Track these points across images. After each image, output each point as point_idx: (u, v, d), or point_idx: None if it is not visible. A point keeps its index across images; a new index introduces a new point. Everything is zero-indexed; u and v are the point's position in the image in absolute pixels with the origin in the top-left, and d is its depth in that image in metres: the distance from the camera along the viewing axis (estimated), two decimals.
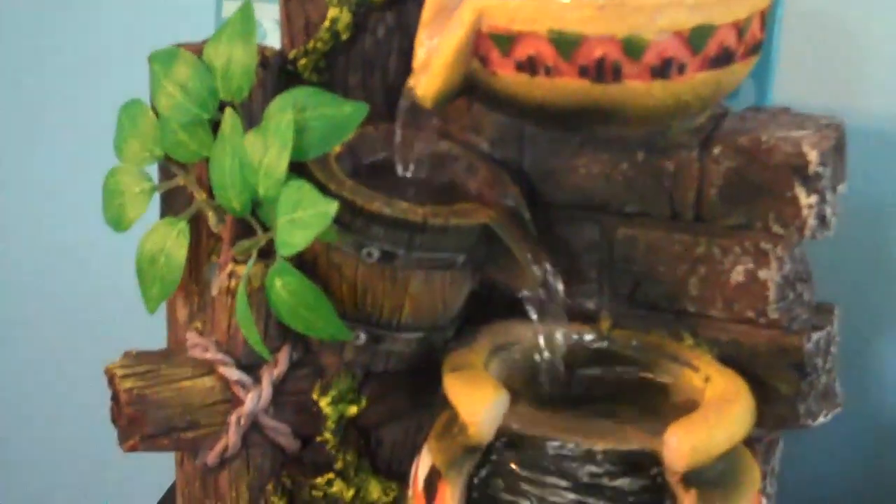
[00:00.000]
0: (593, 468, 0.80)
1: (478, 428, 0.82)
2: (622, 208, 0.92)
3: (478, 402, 0.82)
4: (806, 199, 0.87)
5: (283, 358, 0.90)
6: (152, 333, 1.01)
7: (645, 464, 0.80)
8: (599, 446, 0.81)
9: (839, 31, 1.16)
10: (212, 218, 0.91)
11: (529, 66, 0.81)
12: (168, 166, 0.93)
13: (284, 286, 0.84)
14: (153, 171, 0.95)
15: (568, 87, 0.81)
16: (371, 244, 0.86)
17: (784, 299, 0.89)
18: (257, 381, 0.90)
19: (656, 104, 0.82)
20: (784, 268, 0.88)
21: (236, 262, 0.89)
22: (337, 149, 0.90)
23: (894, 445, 1.22)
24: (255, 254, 0.87)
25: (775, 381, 0.90)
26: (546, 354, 0.91)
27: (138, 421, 0.88)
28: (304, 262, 0.88)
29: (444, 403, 0.87)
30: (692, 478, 0.79)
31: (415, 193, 0.89)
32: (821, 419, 0.91)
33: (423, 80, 0.85)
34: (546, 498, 0.81)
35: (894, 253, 1.19)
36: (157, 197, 0.95)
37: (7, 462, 1.61)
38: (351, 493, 0.93)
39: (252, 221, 0.87)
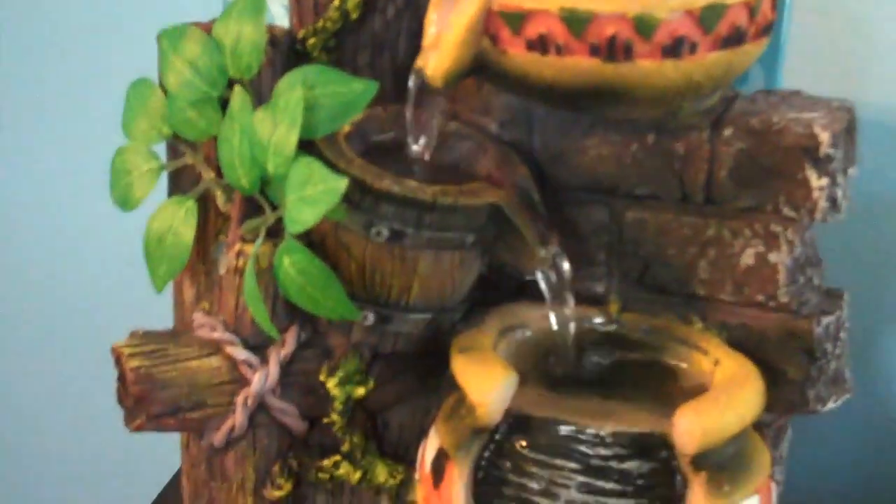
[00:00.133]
0: (602, 450, 0.80)
1: (486, 409, 0.81)
2: (632, 191, 0.92)
3: (486, 382, 0.82)
4: (817, 182, 0.86)
5: (291, 338, 0.90)
6: (159, 315, 1.00)
7: (654, 446, 0.80)
8: (608, 429, 0.80)
9: (848, 20, 1.15)
10: (220, 197, 0.90)
11: (540, 45, 0.81)
12: (176, 145, 0.93)
13: (293, 264, 0.84)
14: (161, 150, 0.95)
15: (579, 66, 0.81)
16: (380, 223, 0.85)
17: (794, 283, 0.89)
18: (264, 361, 0.89)
19: (667, 84, 0.82)
20: (794, 251, 0.88)
21: (244, 241, 0.88)
22: (346, 128, 0.89)
23: None
24: (263, 232, 0.86)
25: (784, 365, 0.89)
26: (554, 337, 0.91)
27: (145, 400, 0.87)
28: (313, 242, 0.87)
29: (452, 386, 0.87)
30: (702, 460, 0.78)
31: (424, 174, 0.89)
32: (830, 405, 0.91)
33: (432, 59, 0.84)
34: (554, 480, 0.80)
35: None
36: (164, 177, 0.95)
37: (9, 445, 1.61)
38: (357, 475, 0.93)
39: (260, 200, 0.87)
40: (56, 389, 1.56)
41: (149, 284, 0.93)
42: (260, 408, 0.90)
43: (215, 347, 0.90)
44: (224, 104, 0.88)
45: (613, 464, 0.80)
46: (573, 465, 0.80)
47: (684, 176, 0.90)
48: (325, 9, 0.92)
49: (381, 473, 0.93)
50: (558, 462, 0.81)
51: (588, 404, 0.86)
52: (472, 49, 0.83)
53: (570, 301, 0.90)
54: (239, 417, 0.89)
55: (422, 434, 0.89)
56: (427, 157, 0.91)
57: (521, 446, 0.82)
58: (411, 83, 0.87)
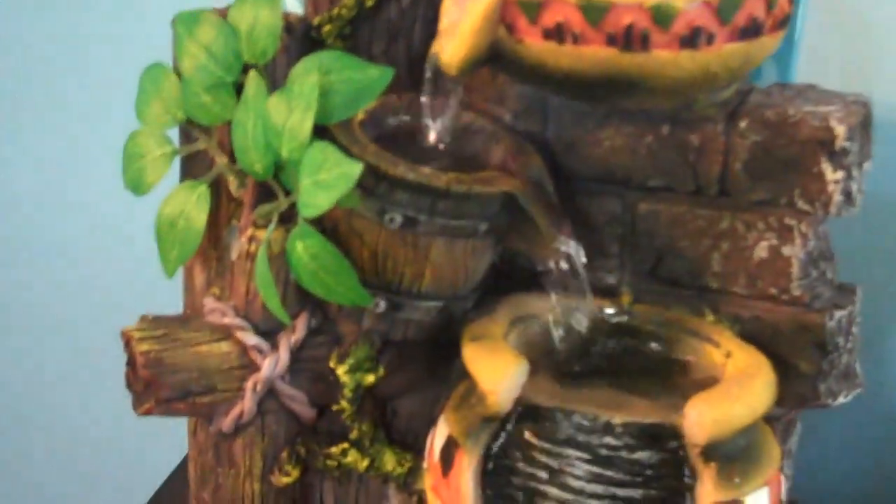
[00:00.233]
0: (612, 441, 0.80)
1: (496, 397, 0.81)
2: (645, 182, 0.91)
3: (497, 370, 0.82)
4: (832, 175, 0.86)
5: (301, 324, 0.90)
6: (169, 302, 1.00)
7: (664, 437, 0.80)
8: (618, 419, 0.80)
9: (861, 18, 1.15)
10: (233, 182, 0.90)
11: (557, 34, 0.81)
12: (189, 130, 0.92)
13: (306, 249, 0.84)
14: (174, 135, 0.94)
15: (595, 55, 0.81)
16: (394, 209, 0.85)
17: (807, 276, 0.89)
18: (274, 347, 0.89)
19: (684, 75, 0.81)
20: (808, 244, 0.88)
21: (257, 226, 0.88)
22: (360, 115, 0.89)
23: None
24: (276, 218, 0.86)
25: (796, 359, 0.89)
26: (566, 328, 0.91)
27: (154, 384, 0.87)
28: (325, 229, 0.87)
29: (462, 375, 0.87)
30: (712, 452, 0.78)
31: (438, 162, 0.89)
32: (841, 399, 0.90)
33: (448, 47, 0.84)
34: (563, 470, 0.80)
35: None
36: (176, 163, 0.95)
37: (17, 430, 1.61)
38: (365, 463, 0.93)
39: (274, 185, 0.87)
40: (65, 375, 1.56)
41: (159, 271, 0.93)
42: (269, 394, 0.90)
43: (226, 332, 0.90)
44: (239, 89, 0.88)
45: (623, 454, 0.80)
46: (582, 454, 0.80)
47: (698, 168, 0.90)
48: None
49: (390, 461, 0.93)
50: (567, 452, 0.80)
51: (598, 395, 0.85)
52: (488, 37, 0.83)
53: (584, 292, 0.89)
54: (248, 403, 0.89)
55: (431, 423, 0.89)
56: (442, 145, 0.91)
57: (531, 435, 0.81)
58: (427, 71, 0.87)
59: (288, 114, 0.84)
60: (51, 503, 1.62)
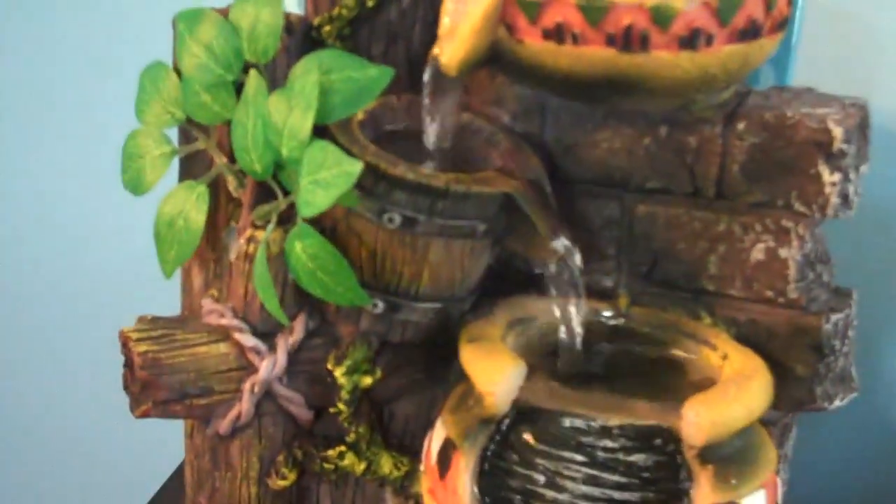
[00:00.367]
0: (609, 443, 0.80)
1: (494, 399, 0.81)
2: (643, 184, 0.92)
3: (495, 372, 0.82)
4: (829, 177, 0.86)
5: (299, 326, 0.90)
6: (167, 305, 1.00)
7: (661, 439, 0.79)
8: (615, 421, 0.80)
9: (860, 24, 1.16)
10: (232, 182, 0.90)
11: (556, 34, 0.81)
12: (188, 130, 0.92)
13: (304, 249, 0.84)
14: (173, 136, 0.95)
15: (595, 55, 0.81)
16: (393, 209, 0.85)
17: (804, 279, 0.89)
18: (272, 348, 0.89)
19: (683, 76, 0.81)
20: (805, 247, 0.88)
21: (255, 226, 0.88)
22: (359, 116, 0.89)
23: None
24: (274, 218, 0.86)
25: (792, 362, 0.89)
26: (563, 330, 0.90)
27: (151, 386, 0.87)
28: (324, 229, 0.87)
29: (459, 378, 0.87)
30: (709, 454, 0.78)
31: (436, 163, 0.89)
32: (837, 402, 0.90)
33: (448, 47, 0.84)
34: (560, 472, 0.80)
35: None
36: (175, 164, 0.95)
37: (15, 434, 1.61)
38: (362, 466, 0.93)
39: (273, 185, 0.87)
40: (62, 376, 1.56)
41: (157, 274, 0.93)
42: (267, 395, 0.90)
43: (223, 334, 0.89)
44: (239, 89, 0.88)
45: (620, 456, 0.80)
46: (579, 457, 0.80)
47: (696, 170, 0.90)
48: None
49: (386, 465, 0.93)
50: (564, 454, 0.80)
51: (595, 397, 0.85)
52: (488, 38, 0.83)
53: (581, 294, 0.90)
54: (245, 405, 0.89)
55: (427, 426, 0.89)
56: (441, 146, 0.91)
57: (528, 437, 0.81)
58: (427, 71, 0.88)
59: (288, 113, 0.84)
60: None
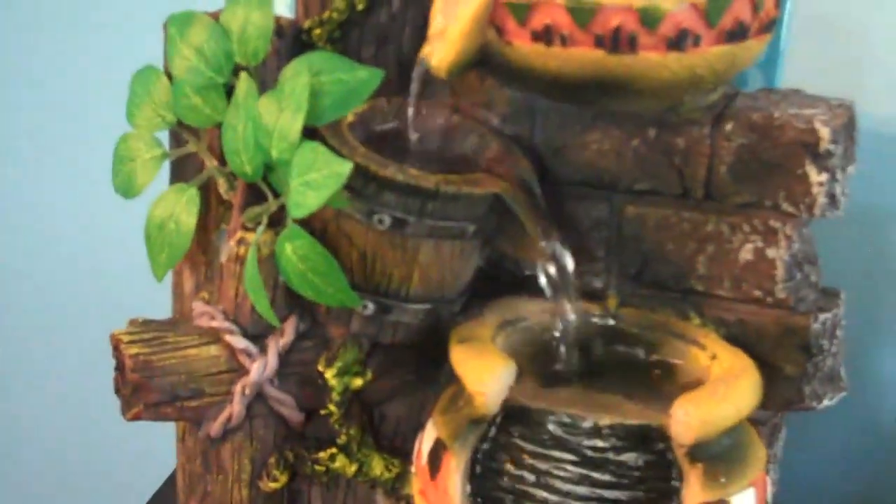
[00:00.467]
0: (598, 442, 0.80)
1: (484, 399, 0.81)
2: (632, 186, 0.92)
3: (485, 372, 0.82)
4: (816, 177, 0.87)
5: (290, 328, 0.90)
6: (158, 310, 1.00)
7: (651, 438, 0.80)
8: (605, 421, 0.80)
9: (848, 28, 1.16)
10: (222, 185, 0.91)
11: (545, 36, 0.81)
12: (179, 133, 0.93)
13: (295, 251, 0.84)
14: (164, 139, 0.95)
15: (583, 57, 0.81)
16: (382, 210, 0.85)
17: (792, 279, 0.89)
18: (263, 350, 0.89)
19: (671, 77, 0.82)
20: (793, 247, 0.88)
21: (246, 229, 0.88)
22: (349, 118, 0.90)
23: (893, 447, 1.23)
24: (265, 220, 0.87)
25: (781, 361, 0.90)
26: (553, 331, 0.91)
27: (143, 388, 0.87)
28: (314, 231, 0.87)
29: (449, 380, 0.87)
30: (698, 452, 0.79)
31: (426, 164, 0.89)
32: (826, 402, 0.91)
33: (438, 50, 0.85)
34: (551, 472, 0.80)
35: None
36: (166, 168, 0.95)
37: (5, 439, 1.60)
38: (353, 468, 0.93)
39: (263, 187, 0.87)
40: (53, 382, 1.56)
41: (148, 278, 0.93)
42: (258, 398, 0.90)
43: (214, 336, 0.90)
44: (229, 92, 0.89)
45: (610, 455, 0.80)
46: (570, 456, 0.80)
47: (685, 171, 0.90)
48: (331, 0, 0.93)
49: (377, 466, 0.93)
50: (555, 453, 0.81)
51: (585, 397, 0.86)
52: (477, 40, 0.84)
53: (571, 295, 0.90)
54: (236, 407, 0.89)
55: (418, 428, 0.89)
56: (430, 148, 0.91)
57: (518, 437, 0.82)
58: (415, 72, 0.88)
59: (278, 114, 0.84)
60: None
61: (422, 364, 0.93)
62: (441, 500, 0.82)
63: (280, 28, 0.91)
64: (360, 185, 0.85)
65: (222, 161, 0.89)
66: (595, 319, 0.93)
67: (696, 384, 0.84)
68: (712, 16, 0.80)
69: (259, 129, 0.85)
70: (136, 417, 0.89)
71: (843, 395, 0.92)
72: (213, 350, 0.89)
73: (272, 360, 0.89)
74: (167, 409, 0.89)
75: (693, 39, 0.80)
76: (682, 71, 0.82)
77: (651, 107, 0.89)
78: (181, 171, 0.95)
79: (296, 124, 0.83)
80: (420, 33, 0.90)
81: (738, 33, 0.82)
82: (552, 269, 0.89)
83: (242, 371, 0.89)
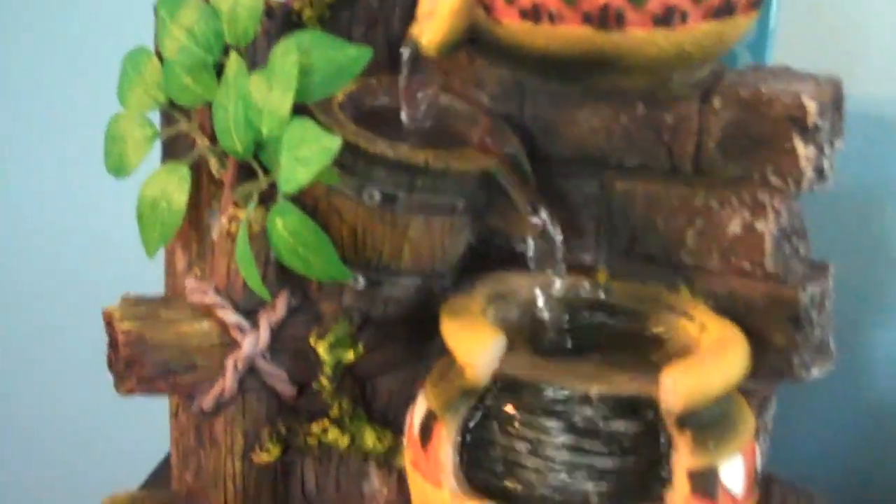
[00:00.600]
0: (589, 412, 0.81)
1: (474, 370, 0.82)
2: (621, 161, 0.93)
3: (475, 343, 0.83)
4: (804, 151, 0.87)
5: (282, 303, 0.90)
6: (151, 290, 1.01)
7: (641, 408, 0.81)
8: (595, 390, 0.81)
9: (837, 8, 1.17)
10: (214, 163, 0.91)
11: (534, 14, 0.82)
12: (170, 113, 0.93)
13: (285, 226, 0.85)
14: (156, 120, 0.95)
15: (571, 34, 0.82)
16: (372, 186, 0.86)
17: (780, 252, 0.90)
18: (255, 325, 0.90)
19: (658, 53, 0.83)
20: (781, 220, 0.89)
21: (237, 206, 0.89)
22: (340, 97, 0.91)
23: (884, 423, 1.23)
24: (256, 197, 0.87)
25: (770, 333, 0.90)
26: (543, 305, 0.92)
27: (136, 363, 0.88)
28: (305, 208, 0.88)
29: (440, 353, 0.88)
30: (687, 420, 0.79)
31: (416, 143, 0.90)
32: (815, 373, 0.91)
33: (427, 28, 0.85)
34: (541, 441, 0.81)
35: (887, 242, 1.21)
36: (158, 148, 0.96)
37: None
38: (346, 440, 0.93)
39: (254, 164, 0.88)
40: (47, 362, 1.56)
41: (140, 259, 0.94)
42: (250, 372, 0.91)
43: (206, 311, 0.90)
44: (220, 71, 0.89)
45: (600, 425, 0.81)
46: (560, 426, 0.81)
47: (673, 147, 0.91)
48: None
49: (370, 438, 0.94)
50: (545, 423, 0.81)
51: (575, 368, 0.86)
52: (466, 18, 0.85)
53: (560, 269, 0.91)
54: (229, 381, 0.90)
55: (410, 402, 0.89)
56: (420, 126, 0.92)
57: (509, 408, 0.82)
58: (405, 52, 0.89)
59: (268, 92, 0.85)
60: (31, 496, 1.62)
61: (413, 338, 0.94)
62: (433, 470, 0.83)
63: (270, 9, 0.92)
64: (350, 161, 0.86)
65: (213, 140, 0.90)
66: (585, 293, 0.93)
67: (685, 355, 0.85)
68: None
69: (249, 107, 0.86)
70: (130, 392, 0.89)
71: (832, 367, 0.93)
72: (206, 325, 0.90)
73: (264, 334, 0.90)
74: (160, 384, 0.89)
75: (680, 16, 0.81)
76: (670, 47, 0.82)
77: (639, 83, 0.90)
78: (173, 150, 0.95)
79: (286, 102, 0.84)
80: (410, 13, 0.90)
81: (725, 9, 0.82)
82: (541, 243, 0.90)
83: (234, 345, 0.90)
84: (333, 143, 0.81)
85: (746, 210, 0.89)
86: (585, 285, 0.93)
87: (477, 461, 0.83)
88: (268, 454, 0.93)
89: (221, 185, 0.92)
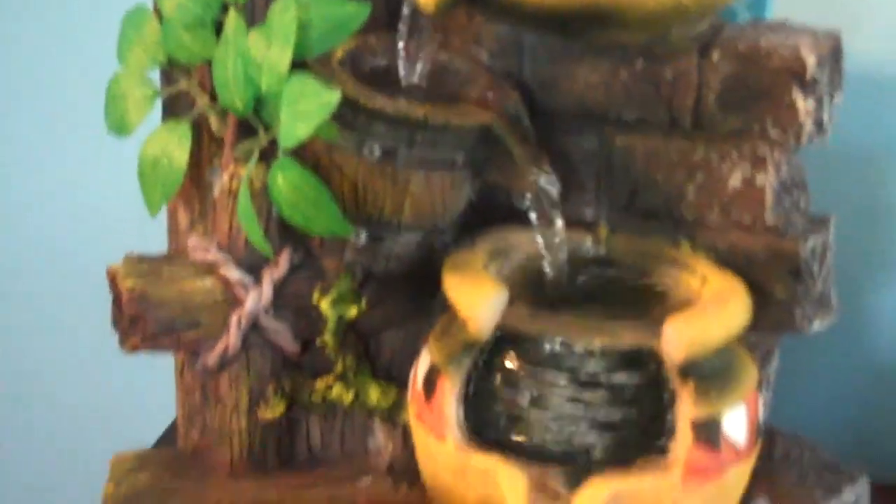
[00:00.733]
0: (591, 364, 0.81)
1: (477, 323, 0.82)
2: (620, 116, 0.93)
3: (477, 297, 0.83)
4: (803, 104, 0.88)
5: (284, 259, 0.91)
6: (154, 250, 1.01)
7: (643, 359, 0.81)
8: (598, 342, 0.82)
9: None
10: (214, 121, 0.91)
11: None
12: (170, 71, 0.93)
13: (286, 181, 0.85)
14: (156, 79, 0.95)
15: None
16: (372, 141, 0.86)
17: (781, 205, 0.90)
18: (258, 281, 0.90)
19: (656, 7, 0.83)
20: (781, 173, 0.89)
21: (238, 163, 0.89)
22: (339, 55, 0.91)
23: (888, 384, 1.24)
24: (256, 153, 0.88)
25: (772, 285, 0.91)
26: (544, 259, 0.92)
27: (140, 320, 0.88)
28: (306, 163, 0.88)
29: (443, 309, 0.88)
30: (689, 370, 0.80)
31: (415, 99, 0.90)
32: (816, 325, 0.92)
33: None
34: (544, 394, 0.82)
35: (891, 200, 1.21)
36: (158, 108, 0.96)
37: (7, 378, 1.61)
38: (350, 396, 0.94)
39: (254, 121, 0.88)
40: (52, 323, 1.56)
41: (142, 218, 0.94)
42: (253, 328, 0.91)
43: (209, 268, 0.91)
44: (219, 29, 0.89)
45: (602, 377, 0.81)
46: (562, 378, 0.82)
47: (673, 101, 0.91)
48: None
49: (374, 394, 0.94)
50: (548, 376, 0.82)
51: (578, 322, 0.87)
52: None
53: (560, 223, 0.91)
54: (233, 337, 0.90)
55: (413, 358, 0.90)
56: (419, 85, 0.92)
57: (511, 361, 0.83)
58: (404, 10, 0.89)
59: (267, 48, 0.85)
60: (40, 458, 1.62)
61: (415, 295, 0.94)
62: (436, 422, 0.84)
63: None
64: (350, 116, 0.86)
65: (213, 98, 0.90)
66: (586, 248, 0.94)
67: (686, 307, 0.86)
68: None
69: (248, 63, 0.86)
70: (135, 349, 0.90)
71: (834, 319, 0.93)
72: (209, 282, 0.90)
73: (267, 290, 0.90)
74: (164, 340, 0.90)
75: None
76: (668, 1, 0.82)
77: (638, 38, 0.90)
78: (173, 108, 0.95)
79: (284, 57, 0.84)
80: None
81: None
82: (542, 199, 0.90)
83: (238, 302, 0.90)
84: (332, 96, 0.81)
85: (746, 163, 0.90)
86: (586, 240, 0.94)
87: (480, 413, 0.83)
88: (272, 410, 0.93)
89: (222, 142, 0.92)
